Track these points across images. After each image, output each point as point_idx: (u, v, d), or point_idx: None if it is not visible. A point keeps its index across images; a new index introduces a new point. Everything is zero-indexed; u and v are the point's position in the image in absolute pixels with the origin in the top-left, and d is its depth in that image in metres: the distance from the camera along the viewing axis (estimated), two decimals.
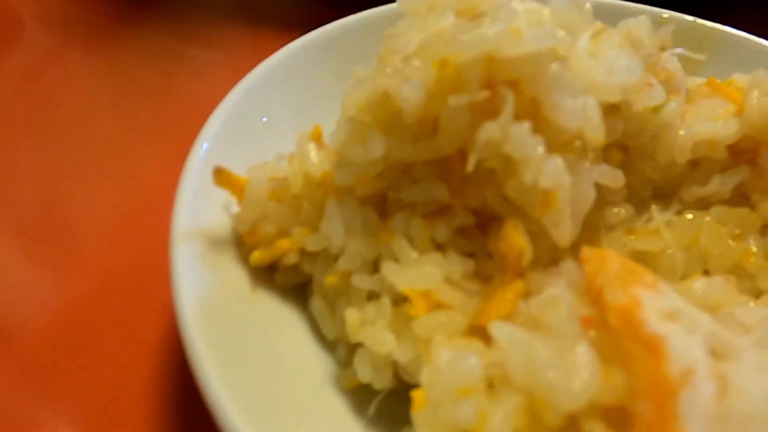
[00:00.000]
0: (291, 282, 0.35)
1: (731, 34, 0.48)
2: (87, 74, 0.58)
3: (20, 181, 0.48)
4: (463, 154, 0.28)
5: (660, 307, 0.23)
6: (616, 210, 0.36)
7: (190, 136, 0.36)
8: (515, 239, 0.27)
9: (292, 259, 0.33)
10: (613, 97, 0.31)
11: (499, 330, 0.24)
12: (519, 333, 0.24)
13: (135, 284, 0.40)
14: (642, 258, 0.35)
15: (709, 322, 0.24)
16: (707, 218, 0.36)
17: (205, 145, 0.34)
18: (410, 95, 0.26)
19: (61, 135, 0.52)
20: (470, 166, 0.26)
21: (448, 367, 0.24)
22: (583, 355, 0.22)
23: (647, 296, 0.23)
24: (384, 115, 0.29)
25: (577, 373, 0.22)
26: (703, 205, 0.37)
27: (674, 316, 0.23)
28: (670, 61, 0.38)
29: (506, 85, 0.26)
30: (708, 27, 0.48)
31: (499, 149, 0.26)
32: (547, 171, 0.27)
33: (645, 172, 0.37)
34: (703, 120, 0.38)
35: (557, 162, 0.27)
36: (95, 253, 0.42)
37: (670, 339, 0.21)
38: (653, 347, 0.20)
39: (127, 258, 0.42)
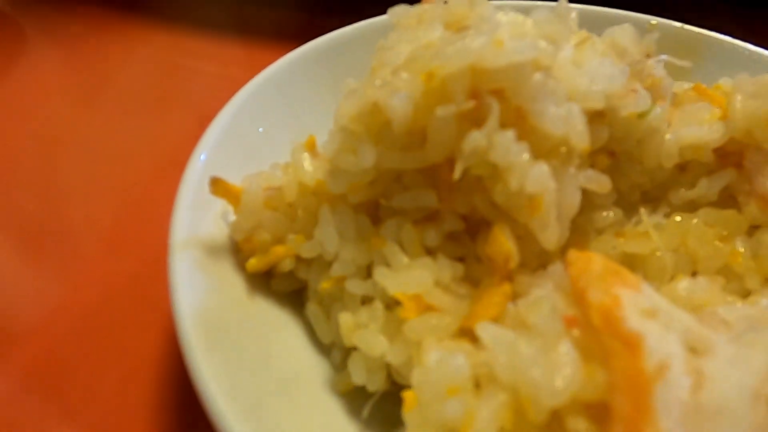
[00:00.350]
0: (287, 288, 0.35)
1: (718, 39, 0.49)
2: (86, 86, 0.59)
3: (22, 190, 0.49)
4: (451, 162, 0.29)
5: (639, 305, 0.24)
6: (605, 214, 0.37)
7: (188, 147, 0.37)
8: (502, 243, 0.28)
9: (287, 265, 0.34)
10: (597, 104, 0.32)
11: (485, 331, 0.25)
12: (504, 333, 0.25)
13: (135, 291, 0.41)
14: (631, 260, 0.36)
15: (687, 319, 0.25)
16: (695, 220, 0.37)
17: (202, 156, 0.35)
18: (398, 107, 0.27)
19: (62, 146, 0.53)
20: (457, 174, 0.27)
21: (436, 367, 0.25)
22: (565, 353, 0.23)
23: (627, 296, 0.24)
24: (374, 126, 0.30)
25: (560, 371, 0.23)
26: (690, 207, 0.38)
27: (653, 314, 0.23)
28: (656, 67, 0.39)
29: (491, 95, 0.27)
30: (695, 33, 0.49)
31: (485, 157, 0.27)
32: (532, 177, 0.28)
33: (633, 176, 0.38)
34: (690, 124, 0.38)
35: (542, 168, 0.28)
36: (96, 261, 0.43)
37: (647, 335, 0.22)
38: (631, 343, 0.21)
39: (128, 265, 0.43)
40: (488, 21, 0.28)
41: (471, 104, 0.27)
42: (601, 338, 0.23)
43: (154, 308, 0.40)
